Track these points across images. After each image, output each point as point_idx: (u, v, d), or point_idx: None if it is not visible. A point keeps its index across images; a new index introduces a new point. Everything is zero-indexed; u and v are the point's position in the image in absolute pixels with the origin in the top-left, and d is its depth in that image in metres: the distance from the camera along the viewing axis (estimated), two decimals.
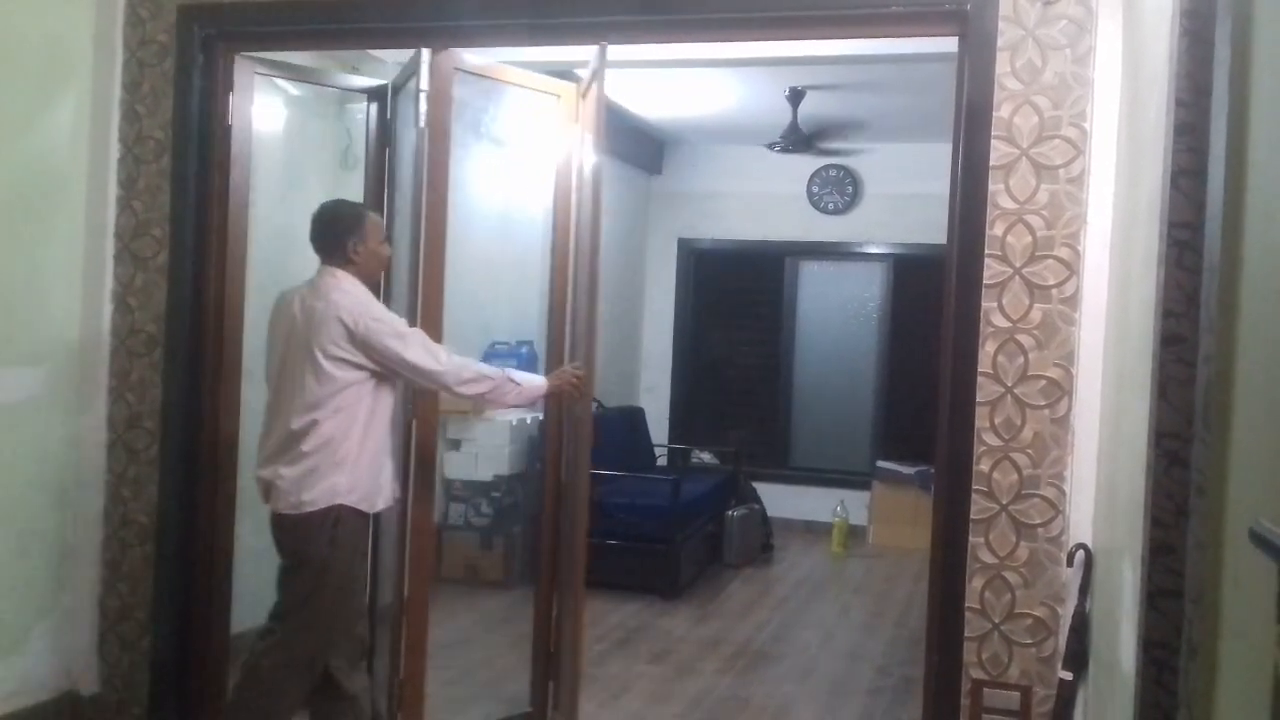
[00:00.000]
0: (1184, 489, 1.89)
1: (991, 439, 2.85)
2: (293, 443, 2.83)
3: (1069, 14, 2.79)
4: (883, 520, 7.26)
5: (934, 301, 3.19)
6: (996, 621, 2.85)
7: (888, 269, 7.76)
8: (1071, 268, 2.80)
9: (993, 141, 2.84)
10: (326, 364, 2.81)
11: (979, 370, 2.85)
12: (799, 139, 6.41)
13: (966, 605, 2.87)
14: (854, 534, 7.12)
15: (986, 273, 2.85)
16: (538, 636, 3.70)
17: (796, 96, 6.02)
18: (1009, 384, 2.84)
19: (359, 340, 2.82)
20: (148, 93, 3.51)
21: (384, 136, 3.76)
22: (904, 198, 7.24)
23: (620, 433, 6.59)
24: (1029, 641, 2.84)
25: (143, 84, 3.51)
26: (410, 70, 3.40)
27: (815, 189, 7.64)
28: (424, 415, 3.35)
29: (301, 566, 2.88)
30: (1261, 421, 1.47)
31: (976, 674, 2.86)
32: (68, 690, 3.53)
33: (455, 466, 5.64)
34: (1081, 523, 2.81)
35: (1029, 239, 2.82)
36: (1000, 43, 2.83)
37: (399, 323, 2.93)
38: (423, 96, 3.29)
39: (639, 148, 7.47)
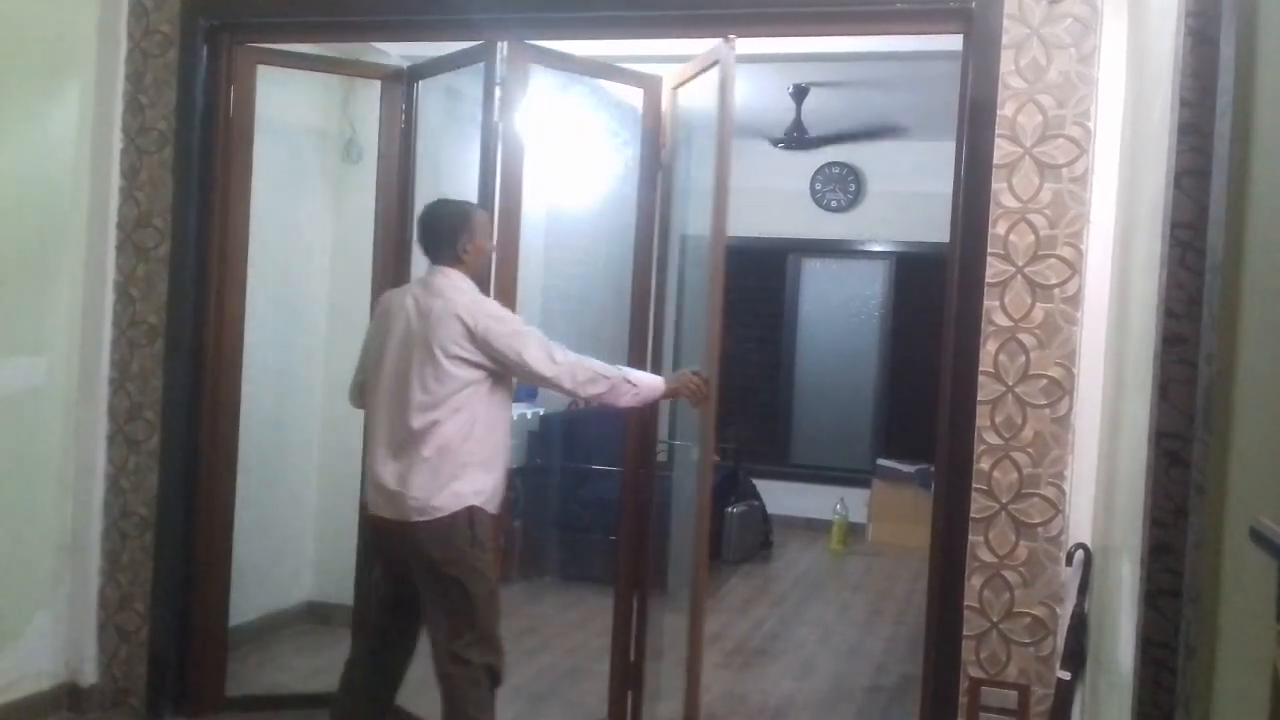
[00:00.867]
0: (1184, 489, 1.89)
1: (992, 438, 2.84)
2: (412, 446, 2.76)
3: (1074, 13, 2.79)
4: (882, 518, 7.26)
5: (936, 300, 3.18)
6: (995, 620, 2.85)
7: (890, 267, 7.75)
8: (1074, 267, 2.80)
9: (996, 140, 2.84)
10: (446, 363, 2.74)
11: (980, 369, 2.85)
12: (802, 136, 6.40)
13: (965, 604, 2.87)
14: (854, 532, 7.12)
15: (989, 271, 2.85)
16: (617, 644, 3.61)
17: (800, 93, 6.01)
18: (1010, 383, 2.83)
19: (479, 338, 2.75)
20: (151, 84, 3.51)
21: (396, 128, 3.71)
22: (907, 196, 7.22)
23: (620, 428, 6.57)
24: (1027, 640, 2.84)
25: (146, 75, 3.51)
26: (460, 61, 3.38)
27: (818, 186, 7.63)
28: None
29: (448, 575, 2.77)
30: (1262, 422, 1.47)
31: (975, 672, 2.86)
32: (67, 680, 3.54)
33: None
34: (1081, 522, 2.81)
35: (1031, 238, 2.82)
36: (1005, 41, 2.83)
37: (517, 320, 2.86)
38: (498, 89, 3.24)
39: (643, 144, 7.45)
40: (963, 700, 2.87)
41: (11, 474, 3.34)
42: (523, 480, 5.67)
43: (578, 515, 5.82)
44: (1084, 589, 2.76)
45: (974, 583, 2.86)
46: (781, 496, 7.31)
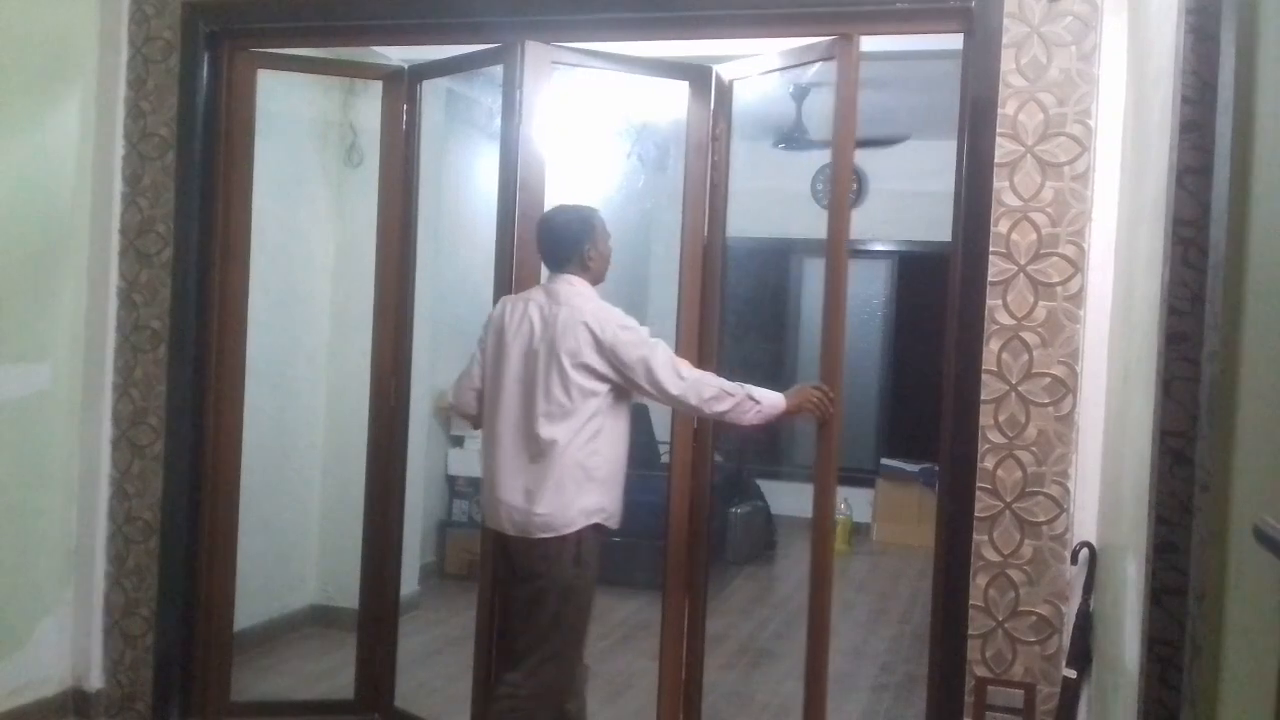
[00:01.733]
0: (1188, 486, 1.89)
1: (996, 436, 2.84)
2: (539, 458, 2.72)
3: (1074, 11, 2.79)
4: (887, 517, 7.26)
5: (938, 299, 3.18)
6: (1000, 619, 2.85)
7: (892, 266, 7.75)
8: (1076, 265, 2.79)
9: (997, 139, 2.84)
10: (573, 373, 2.70)
11: (983, 368, 2.85)
12: (803, 136, 6.40)
13: (970, 603, 2.86)
14: (858, 531, 7.13)
15: (991, 270, 2.84)
16: (666, 659, 3.44)
17: (801, 93, 6.01)
18: (1013, 381, 2.83)
19: (606, 348, 2.70)
20: (152, 89, 3.51)
21: (398, 129, 3.69)
22: (908, 195, 7.23)
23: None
24: (1033, 639, 2.84)
25: (147, 81, 3.51)
26: (476, 62, 3.37)
27: (820, 186, 7.63)
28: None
29: (539, 588, 2.73)
30: (1266, 419, 1.47)
31: (980, 671, 2.86)
32: (72, 686, 3.55)
33: (458, 463, 5.65)
34: (1085, 520, 2.80)
35: (1034, 236, 2.82)
36: (1005, 40, 2.83)
37: (644, 331, 2.78)
38: (522, 91, 3.21)
39: (643, 144, 7.46)
40: (969, 699, 2.86)
41: (16, 480, 3.34)
42: None
43: None
44: (1089, 587, 2.75)
45: (979, 581, 2.86)
46: (785, 497, 7.29)
